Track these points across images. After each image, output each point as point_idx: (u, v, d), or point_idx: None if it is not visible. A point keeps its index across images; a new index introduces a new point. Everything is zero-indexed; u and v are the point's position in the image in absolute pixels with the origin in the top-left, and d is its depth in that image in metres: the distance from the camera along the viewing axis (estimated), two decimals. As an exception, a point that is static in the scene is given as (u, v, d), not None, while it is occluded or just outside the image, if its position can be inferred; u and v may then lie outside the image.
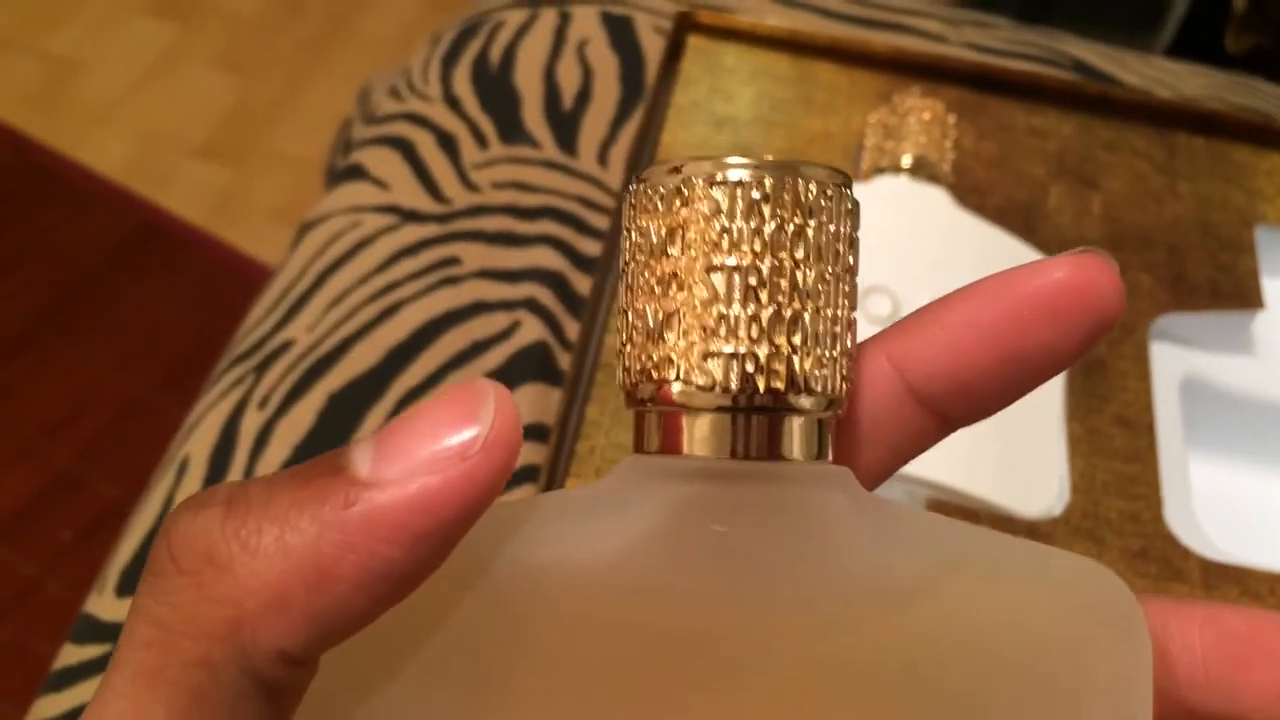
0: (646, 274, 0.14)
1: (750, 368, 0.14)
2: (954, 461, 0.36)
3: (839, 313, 0.14)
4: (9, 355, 1.22)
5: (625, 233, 0.15)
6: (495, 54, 0.57)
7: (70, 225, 1.34)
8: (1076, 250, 0.16)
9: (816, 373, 0.14)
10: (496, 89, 0.55)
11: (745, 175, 0.14)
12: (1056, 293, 0.16)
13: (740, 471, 0.14)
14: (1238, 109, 0.47)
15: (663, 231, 0.14)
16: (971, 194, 0.43)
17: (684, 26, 0.47)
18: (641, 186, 0.14)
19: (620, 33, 0.57)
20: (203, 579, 0.14)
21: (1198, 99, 0.47)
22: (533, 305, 0.47)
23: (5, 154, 1.40)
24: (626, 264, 0.15)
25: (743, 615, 0.14)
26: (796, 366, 0.14)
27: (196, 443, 0.44)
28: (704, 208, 0.14)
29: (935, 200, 0.40)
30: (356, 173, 0.53)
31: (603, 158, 0.52)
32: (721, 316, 0.14)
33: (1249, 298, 0.41)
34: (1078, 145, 0.46)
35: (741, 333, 0.14)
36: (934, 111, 0.41)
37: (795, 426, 0.14)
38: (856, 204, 0.15)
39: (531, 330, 0.46)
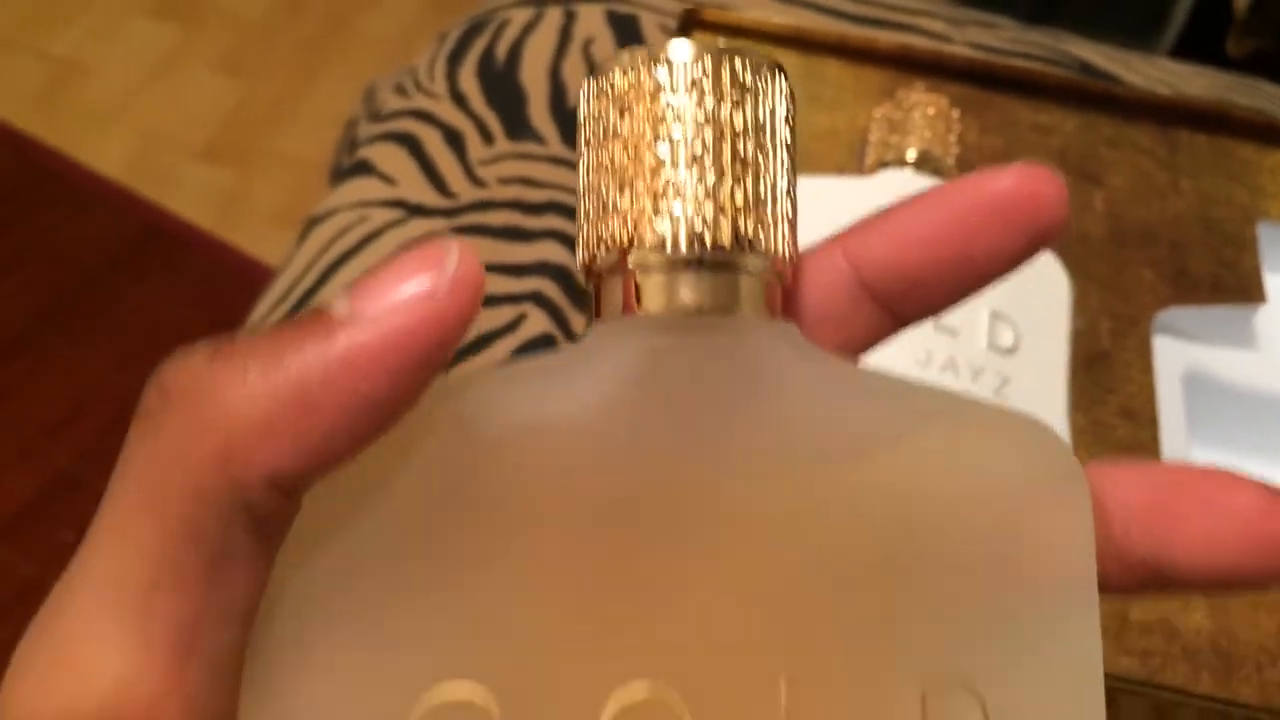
0: (600, 154, 0.15)
1: (698, 227, 0.15)
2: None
3: (778, 183, 0.16)
4: (9, 355, 1.22)
5: (581, 125, 0.16)
6: (501, 51, 0.57)
7: (71, 225, 1.34)
8: (1025, 162, 0.17)
9: (760, 233, 0.15)
10: (502, 86, 0.56)
11: (687, 57, 0.15)
12: (1003, 199, 0.17)
13: (692, 325, 0.15)
14: (1240, 107, 0.47)
15: (613, 113, 0.15)
16: (975, 189, 0.43)
17: (689, 23, 0.47)
18: (594, 78, 0.16)
19: (626, 31, 0.57)
20: (192, 409, 0.15)
21: (1200, 97, 0.48)
22: (539, 299, 0.47)
23: (6, 155, 1.40)
24: (582, 152, 0.16)
25: (697, 467, 0.15)
26: (741, 226, 0.15)
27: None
28: (649, 87, 0.15)
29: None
30: (363, 168, 0.53)
31: (608, 153, 0.52)
32: (669, 183, 0.15)
33: (1251, 292, 0.42)
34: (1080, 142, 0.46)
35: (689, 194, 0.15)
36: (938, 106, 0.42)
37: (743, 283, 0.15)
38: (791, 91, 0.16)
39: (537, 323, 0.46)
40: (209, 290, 1.31)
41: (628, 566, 0.14)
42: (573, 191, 0.50)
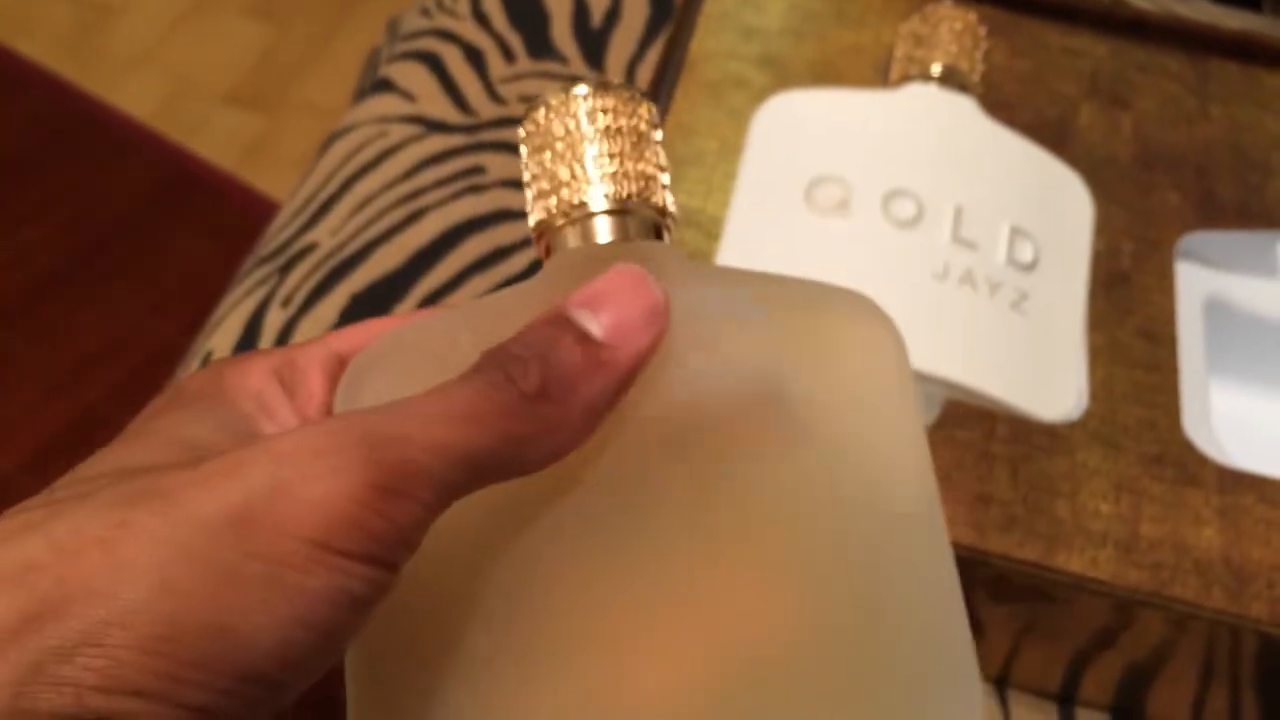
0: (541, 154, 0.23)
1: (609, 190, 0.23)
2: (975, 363, 0.36)
3: (655, 159, 0.24)
4: (42, 295, 1.22)
5: (523, 139, 0.24)
6: (526, -26, 0.57)
7: (104, 170, 1.35)
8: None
9: (644, 192, 0.23)
10: (525, 6, 0.55)
11: (585, 91, 0.23)
12: None
13: (614, 249, 0.23)
14: (1272, 38, 0.46)
15: (549, 128, 0.23)
16: (1001, 109, 0.42)
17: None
18: (533, 109, 0.24)
19: (652, -45, 0.57)
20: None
21: (1231, 26, 0.47)
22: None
23: (43, 99, 1.41)
24: (528, 162, 0.24)
25: None
26: (633, 188, 0.23)
27: (220, 337, 0.44)
28: (571, 108, 0.23)
29: (963, 109, 0.40)
30: (384, 86, 0.53)
31: (630, 73, 0.51)
32: (587, 165, 0.23)
33: (1277, 218, 0.41)
34: (1111, 66, 0.45)
35: (602, 172, 0.23)
36: (965, 21, 0.41)
37: (637, 223, 0.23)
38: (652, 106, 0.24)
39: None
40: (238, 235, 1.32)
41: None
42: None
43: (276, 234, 0.48)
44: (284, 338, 0.43)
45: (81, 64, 1.46)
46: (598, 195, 0.23)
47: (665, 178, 0.24)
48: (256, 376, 0.23)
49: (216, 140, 1.41)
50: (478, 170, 0.48)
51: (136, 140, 1.39)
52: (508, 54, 0.53)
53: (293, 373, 0.23)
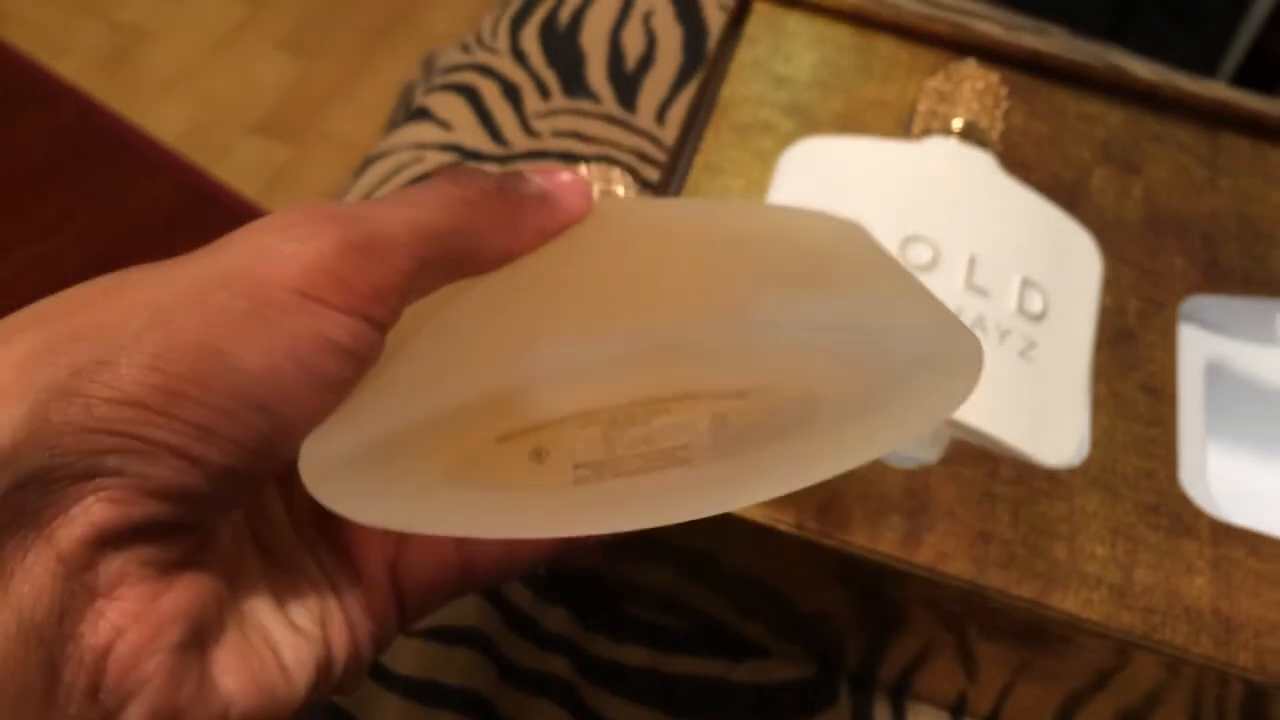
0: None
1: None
2: (982, 406, 0.37)
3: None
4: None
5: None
6: (564, 17, 0.59)
7: (126, 186, 1.37)
8: None
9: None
10: (562, 46, 0.57)
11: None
12: None
13: None
14: (1283, 118, 0.48)
15: None
16: (1018, 168, 0.44)
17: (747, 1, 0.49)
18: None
19: (686, 6, 0.59)
20: None
21: (1242, 101, 0.49)
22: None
23: (70, 113, 1.43)
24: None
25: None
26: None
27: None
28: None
29: (982, 163, 0.41)
30: (422, 114, 0.55)
31: (661, 116, 0.53)
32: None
33: (1279, 288, 0.42)
34: (1125, 135, 0.47)
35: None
36: (987, 81, 0.43)
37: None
38: (634, 179, 0.30)
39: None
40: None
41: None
42: (621, 148, 0.51)
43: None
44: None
45: (114, 86, 1.49)
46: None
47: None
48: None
49: (242, 168, 1.43)
50: (508, 198, 0.50)
51: (160, 161, 1.41)
52: (543, 90, 0.55)
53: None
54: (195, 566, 0.20)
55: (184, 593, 0.20)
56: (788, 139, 0.44)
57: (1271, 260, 0.43)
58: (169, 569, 0.20)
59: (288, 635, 0.22)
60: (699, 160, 0.43)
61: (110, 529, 0.19)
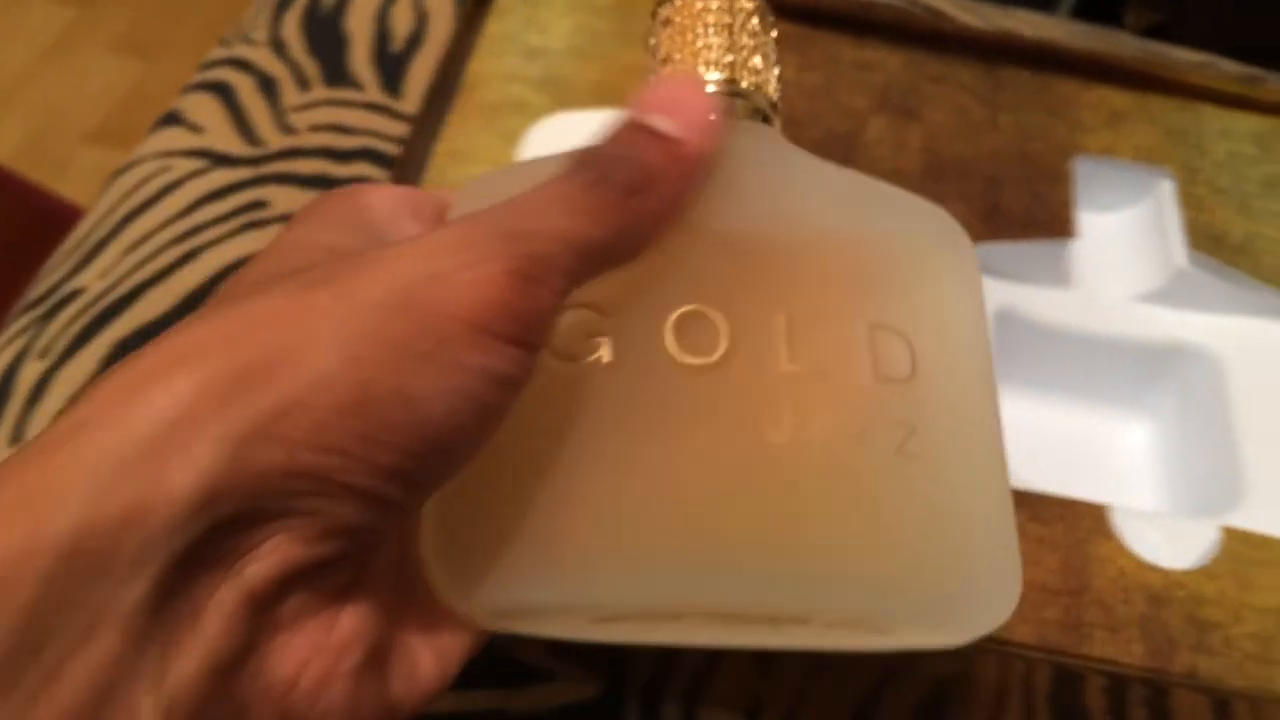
0: (675, 44, 0.27)
1: (725, 75, 0.27)
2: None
3: (762, 63, 0.27)
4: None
5: (659, 29, 0.28)
6: (329, 0, 0.55)
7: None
8: None
9: (754, 81, 0.27)
10: (325, 32, 0.53)
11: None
12: None
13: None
14: (1064, 44, 0.46)
15: (678, 17, 0.27)
16: (790, 126, 0.41)
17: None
18: (664, 8, 0.28)
19: (457, -23, 0.55)
20: None
21: (1021, 32, 0.46)
22: (343, 248, 0.45)
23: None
24: (659, 44, 0.27)
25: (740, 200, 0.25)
26: (744, 78, 0.27)
27: (-28, 392, 0.41)
28: (696, 7, 0.27)
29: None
30: (173, 119, 0.51)
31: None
32: (709, 49, 0.27)
33: (1062, 227, 0.40)
34: (904, 79, 0.45)
35: (719, 57, 0.27)
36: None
37: (743, 106, 0.27)
38: (764, 9, 0.28)
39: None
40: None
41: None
42: (383, 137, 0.48)
43: (44, 278, 0.45)
44: (39, 393, 0.40)
45: (-63, 105, 1.41)
46: (713, 78, 0.26)
47: (776, 71, 0.28)
48: (388, 198, 0.26)
49: (85, 180, 1.37)
50: (260, 205, 0.46)
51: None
52: (302, 82, 0.51)
53: (416, 203, 0.26)
54: (359, 591, 0.21)
55: (355, 618, 0.21)
56: (539, 117, 0.41)
57: (1052, 197, 0.41)
58: (338, 597, 0.20)
59: (426, 651, 0.23)
60: (440, 149, 0.40)
61: (297, 567, 0.19)
